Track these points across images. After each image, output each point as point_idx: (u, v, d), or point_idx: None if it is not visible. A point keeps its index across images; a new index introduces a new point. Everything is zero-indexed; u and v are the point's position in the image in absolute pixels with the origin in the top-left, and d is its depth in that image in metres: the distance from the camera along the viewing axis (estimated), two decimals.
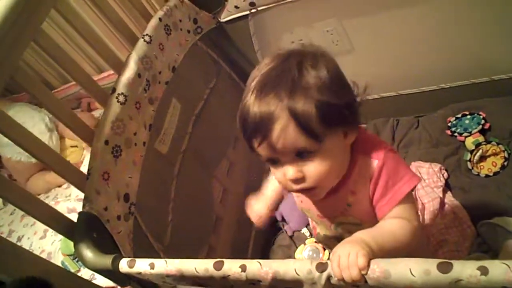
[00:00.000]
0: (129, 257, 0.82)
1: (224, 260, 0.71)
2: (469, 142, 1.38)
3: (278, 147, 0.74)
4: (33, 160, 2.15)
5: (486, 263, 0.53)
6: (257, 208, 1.02)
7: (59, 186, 2.26)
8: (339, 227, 0.93)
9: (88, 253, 0.84)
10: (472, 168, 1.34)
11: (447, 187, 1.34)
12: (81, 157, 2.34)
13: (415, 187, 0.82)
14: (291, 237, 1.47)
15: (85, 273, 1.61)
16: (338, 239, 0.92)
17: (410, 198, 0.82)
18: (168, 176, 1.20)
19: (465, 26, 1.30)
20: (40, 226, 2.02)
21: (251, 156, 1.49)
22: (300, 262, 0.66)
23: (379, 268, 0.61)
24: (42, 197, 2.18)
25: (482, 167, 1.33)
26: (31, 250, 1.32)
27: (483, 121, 1.39)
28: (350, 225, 0.89)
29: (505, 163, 1.31)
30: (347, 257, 0.63)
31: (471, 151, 1.35)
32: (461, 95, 1.46)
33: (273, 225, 1.51)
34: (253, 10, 1.39)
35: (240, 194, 1.47)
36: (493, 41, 1.31)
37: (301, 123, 0.72)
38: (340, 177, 0.83)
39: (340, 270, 0.63)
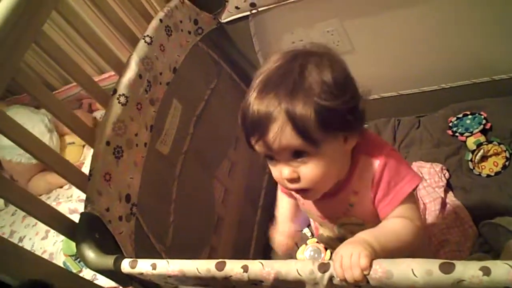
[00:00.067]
0: (131, 257, 0.82)
1: (226, 260, 0.71)
2: (471, 142, 1.38)
3: (274, 147, 0.74)
4: (34, 161, 2.15)
5: (489, 263, 0.53)
6: (279, 240, 1.01)
7: (61, 187, 2.26)
8: (341, 228, 0.93)
9: (90, 254, 0.84)
10: (474, 168, 1.34)
11: (448, 187, 1.34)
12: (81, 155, 2.35)
13: (417, 186, 0.82)
14: None
15: (87, 274, 1.61)
16: (341, 240, 0.92)
17: (412, 198, 0.82)
18: (170, 177, 1.20)
19: (466, 26, 1.30)
20: (42, 227, 2.02)
21: (252, 157, 1.51)
22: (302, 263, 0.66)
23: (381, 268, 0.61)
24: (43, 198, 2.18)
25: (483, 167, 1.33)
26: (32, 251, 1.32)
27: (484, 121, 1.39)
28: (353, 225, 0.90)
29: (507, 163, 1.31)
30: (349, 258, 0.63)
31: (473, 151, 1.35)
32: (462, 95, 1.46)
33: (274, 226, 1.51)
34: (253, 11, 1.39)
35: (241, 195, 1.48)
36: (493, 41, 1.31)
37: (298, 126, 0.71)
38: (336, 181, 0.82)
39: (342, 270, 0.63)
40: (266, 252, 1.47)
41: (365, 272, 0.61)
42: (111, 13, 1.17)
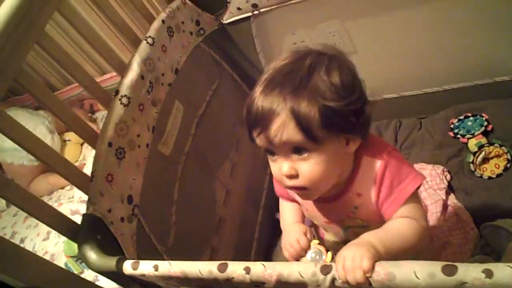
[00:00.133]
0: (132, 259, 0.82)
1: (228, 262, 0.71)
2: (472, 144, 1.38)
3: (275, 141, 0.74)
4: (36, 162, 2.15)
5: (491, 266, 0.53)
6: (294, 251, 0.91)
7: (62, 188, 2.26)
8: (347, 231, 0.93)
9: (92, 255, 0.84)
10: (475, 170, 1.34)
11: (450, 189, 1.34)
12: (79, 153, 2.37)
13: (420, 185, 0.81)
14: None
15: (89, 275, 1.61)
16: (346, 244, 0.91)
17: (416, 197, 0.82)
18: (171, 178, 1.20)
19: (467, 28, 1.30)
20: (43, 228, 2.02)
21: (254, 158, 1.51)
22: (304, 265, 0.66)
23: (383, 270, 0.61)
24: (45, 199, 2.18)
25: (485, 169, 1.33)
26: (34, 252, 1.32)
27: (485, 123, 1.39)
28: (358, 228, 0.89)
29: (508, 165, 1.31)
30: (352, 260, 0.63)
31: (474, 153, 1.35)
32: (464, 96, 1.46)
33: (276, 227, 1.51)
34: (255, 12, 1.39)
35: (243, 196, 1.48)
36: (495, 43, 1.31)
37: (301, 122, 0.72)
38: (335, 182, 0.82)
39: (345, 272, 0.63)
40: (267, 253, 1.48)
41: (368, 275, 0.61)
42: (113, 14, 1.17)
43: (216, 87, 1.44)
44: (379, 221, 0.84)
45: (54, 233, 1.98)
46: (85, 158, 2.33)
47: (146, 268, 0.78)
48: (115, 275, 0.83)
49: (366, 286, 0.62)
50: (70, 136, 2.35)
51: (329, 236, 1.02)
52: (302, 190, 0.80)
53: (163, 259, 1.03)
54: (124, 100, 1.03)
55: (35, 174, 2.25)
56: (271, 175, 0.84)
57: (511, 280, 0.51)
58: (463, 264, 0.55)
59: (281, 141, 0.74)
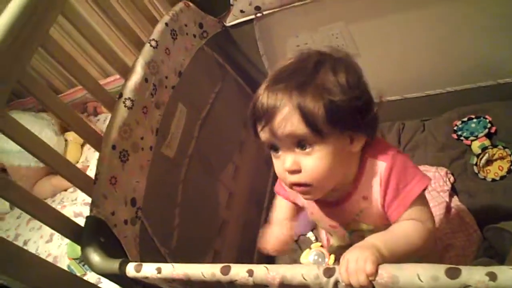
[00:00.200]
0: (135, 261, 0.82)
1: (231, 264, 0.71)
2: (475, 146, 1.37)
3: (279, 133, 0.75)
4: (42, 164, 2.15)
5: (495, 269, 0.53)
6: (272, 243, 0.94)
7: (65, 190, 2.27)
8: (352, 235, 0.92)
9: (96, 258, 0.84)
10: (479, 172, 1.34)
11: (453, 191, 1.33)
12: (80, 154, 2.38)
13: (426, 187, 0.81)
14: (296, 241, 1.47)
15: (91, 277, 1.61)
16: None
17: (422, 199, 0.81)
18: (175, 180, 1.20)
19: (471, 30, 1.29)
20: (47, 230, 2.03)
21: (257, 160, 1.51)
22: (307, 267, 0.66)
23: (387, 273, 0.60)
24: (48, 201, 2.18)
25: (488, 171, 1.33)
26: (37, 254, 1.32)
27: (489, 125, 1.39)
28: (364, 231, 0.89)
29: None
30: (356, 262, 0.63)
31: (478, 155, 1.35)
32: (467, 98, 1.45)
33: None
34: (258, 15, 1.39)
35: (246, 198, 1.48)
36: (499, 44, 1.30)
37: (306, 115, 0.72)
38: (338, 182, 0.81)
39: (348, 275, 0.63)
40: (270, 256, 1.47)
41: (371, 278, 0.61)
42: (117, 17, 1.17)
43: (219, 89, 1.44)
44: (384, 224, 0.83)
45: (57, 236, 1.98)
46: (87, 160, 2.33)
47: (149, 270, 0.78)
48: (118, 277, 0.83)
49: None
50: (71, 135, 2.36)
51: (334, 241, 1.01)
52: (304, 187, 0.79)
53: (166, 262, 1.04)
54: (128, 103, 1.03)
55: (40, 176, 2.26)
56: (274, 177, 0.84)
57: None
58: (467, 267, 0.55)
59: (284, 133, 0.74)
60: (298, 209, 1.01)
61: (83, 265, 1.76)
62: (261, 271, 0.68)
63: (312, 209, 0.93)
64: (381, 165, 0.81)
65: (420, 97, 1.51)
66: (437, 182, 1.34)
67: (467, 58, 1.35)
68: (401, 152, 0.85)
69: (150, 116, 1.10)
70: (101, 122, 2.45)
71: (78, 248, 0.89)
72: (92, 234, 0.88)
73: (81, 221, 0.91)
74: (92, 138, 1.03)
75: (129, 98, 1.04)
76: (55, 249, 1.95)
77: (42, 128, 2.23)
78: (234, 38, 1.49)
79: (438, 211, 1.27)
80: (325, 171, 0.76)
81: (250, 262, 1.37)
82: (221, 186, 1.38)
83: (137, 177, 1.04)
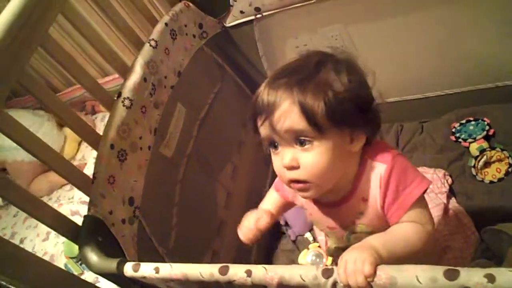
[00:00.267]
0: (133, 261, 0.82)
1: (230, 265, 0.71)
2: (474, 148, 1.38)
3: (278, 127, 0.75)
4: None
5: (493, 270, 0.53)
6: (247, 225, 0.95)
7: (61, 188, 2.27)
8: (350, 236, 0.92)
9: (93, 257, 0.84)
10: (477, 174, 1.34)
11: (451, 193, 1.34)
12: (76, 150, 2.39)
13: (426, 190, 0.81)
14: (294, 241, 1.47)
15: (89, 276, 1.61)
16: None
17: (422, 201, 0.81)
18: (173, 180, 1.20)
19: (470, 32, 1.30)
20: (43, 228, 2.03)
21: (256, 161, 1.51)
22: (305, 268, 0.66)
23: (385, 274, 0.61)
24: (44, 199, 2.19)
25: (486, 173, 1.33)
26: (33, 252, 1.32)
27: (487, 127, 1.39)
28: (362, 233, 0.88)
29: (510, 169, 1.30)
30: (354, 263, 0.63)
31: (476, 157, 1.35)
32: (466, 101, 1.46)
33: (277, 230, 1.51)
34: (258, 15, 1.40)
35: (244, 198, 1.48)
36: (498, 47, 1.31)
37: (306, 110, 0.73)
38: (336, 180, 0.81)
39: (346, 276, 0.63)
40: (268, 255, 1.48)
41: (369, 279, 0.61)
42: (116, 16, 1.17)
43: (218, 89, 1.44)
44: (383, 226, 0.83)
45: (53, 234, 1.98)
46: (84, 158, 2.33)
47: (147, 270, 0.78)
48: (116, 277, 0.83)
49: None
50: (66, 132, 2.36)
51: (331, 242, 1.01)
52: (302, 184, 0.79)
53: (164, 261, 1.03)
54: (127, 103, 1.03)
55: (37, 172, 2.25)
56: (272, 177, 0.84)
57: None
58: (465, 268, 0.55)
59: (284, 128, 0.75)
60: (286, 207, 1.02)
61: (80, 264, 1.76)
62: (260, 272, 0.68)
63: (311, 210, 0.93)
64: (381, 167, 0.81)
65: (418, 99, 1.51)
66: (435, 183, 1.34)
67: (466, 61, 1.35)
68: (401, 154, 0.85)
69: (148, 115, 1.10)
70: (99, 120, 2.44)
71: (75, 246, 0.88)
72: (90, 233, 0.88)
73: (78, 220, 0.91)
74: (90, 137, 1.03)
75: (128, 98, 1.04)
76: (52, 247, 1.95)
77: (43, 122, 2.23)
78: (233, 39, 1.49)
79: (436, 213, 1.27)
80: (323, 168, 0.76)
81: (249, 262, 1.37)
82: (219, 186, 1.38)
83: (135, 177, 1.04)
